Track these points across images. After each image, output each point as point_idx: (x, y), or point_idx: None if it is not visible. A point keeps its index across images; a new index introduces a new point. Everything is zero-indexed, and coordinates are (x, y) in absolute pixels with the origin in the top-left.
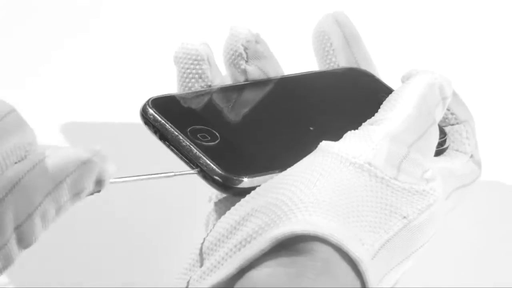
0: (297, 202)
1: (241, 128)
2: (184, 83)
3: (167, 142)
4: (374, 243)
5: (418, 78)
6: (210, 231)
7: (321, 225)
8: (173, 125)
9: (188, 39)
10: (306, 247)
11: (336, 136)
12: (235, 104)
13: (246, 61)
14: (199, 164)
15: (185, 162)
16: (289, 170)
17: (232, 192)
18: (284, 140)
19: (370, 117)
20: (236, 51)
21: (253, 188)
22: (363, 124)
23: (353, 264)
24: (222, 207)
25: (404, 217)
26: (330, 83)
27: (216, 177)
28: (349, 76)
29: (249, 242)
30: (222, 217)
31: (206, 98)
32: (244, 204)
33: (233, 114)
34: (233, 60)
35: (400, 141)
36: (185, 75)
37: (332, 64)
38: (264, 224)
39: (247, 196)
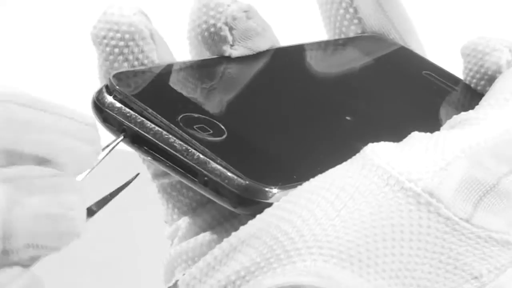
0: (307, 238)
1: (255, 118)
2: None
3: (144, 145)
4: None
5: None
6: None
7: (339, 281)
8: (157, 113)
9: (114, 3)
10: None
11: (383, 130)
12: (239, 83)
13: (232, 45)
14: (204, 171)
15: (178, 171)
16: (306, 184)
17: (252, 210)
18: (316, 135)
19: (419, 103)
20: (214, 31)
21: None
22: (444, 125)
23: None
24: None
25: (476, 278)
26: (355, 55)
27: (235, 189)
28: (376, 46)
29: (239, 286)
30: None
31: (196, 75)
32: (242, 227)
33: (241, 99)
34: (209, 41)
35: (490, 162)
36: (112, 62)
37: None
38: (258, 262)
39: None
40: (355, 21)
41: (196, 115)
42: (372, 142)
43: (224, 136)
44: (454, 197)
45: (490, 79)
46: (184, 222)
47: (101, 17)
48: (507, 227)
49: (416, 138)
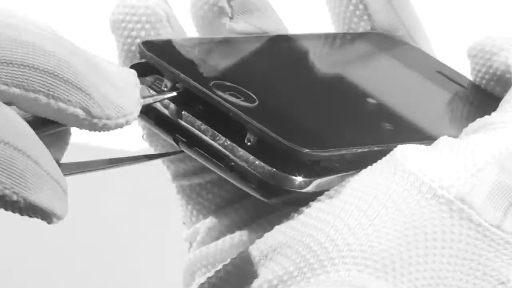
0: (341, 248)
1: (285, 92)
2: (130, 61)
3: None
4: None
5: None
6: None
7: None
8: (189, 78)
9: None
10: None
11: (404, 121)
12: (268, 61)
13: (231, 18)
14: (244, 144)
15: (210, 152)
16: (339, 190)
17: (288, 199)
18: (342, 113)
19: (433, 101)
20: (213, 3)
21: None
22: (466, 128)
23: None
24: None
25: (503, 283)
26: (368, 50)
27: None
28: (387, 43)
29: None
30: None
31: (226, 49)
32: (269, 234)
33: (269, 74)
34: (209, 14)
35: None
36: (130, 46)
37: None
38: (291, 271)
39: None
40: (365, 17)
41: (228, 83)
42: (395, 126)
43: (255, 104)
44: (484, 204)
45: (499, 80)
46: (203, 225)
47: (119, 2)
48: None
49: (445, 143)
